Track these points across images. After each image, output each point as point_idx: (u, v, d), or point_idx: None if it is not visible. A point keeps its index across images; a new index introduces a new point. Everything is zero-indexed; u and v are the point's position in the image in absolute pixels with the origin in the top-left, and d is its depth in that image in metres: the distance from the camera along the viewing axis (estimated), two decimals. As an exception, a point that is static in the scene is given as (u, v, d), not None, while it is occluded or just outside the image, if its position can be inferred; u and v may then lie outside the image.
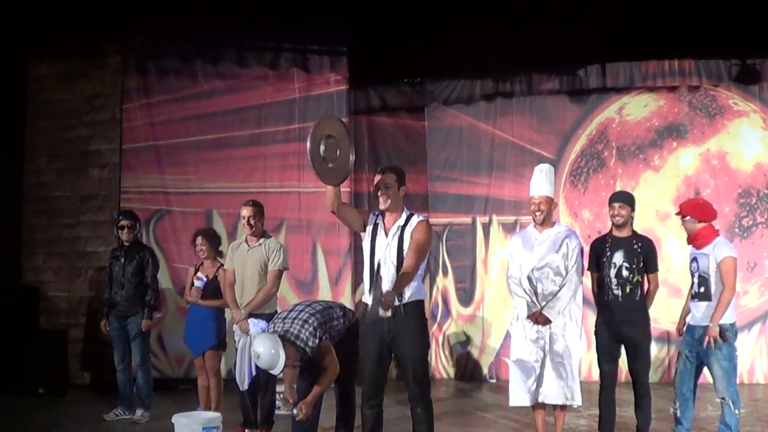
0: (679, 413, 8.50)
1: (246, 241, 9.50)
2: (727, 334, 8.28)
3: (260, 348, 7.47)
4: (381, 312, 6.99)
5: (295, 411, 7.74)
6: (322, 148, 7.05)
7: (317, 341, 7.62)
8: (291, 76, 13.73)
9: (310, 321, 7.70)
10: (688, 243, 8.63)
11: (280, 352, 7.45)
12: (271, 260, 9.39)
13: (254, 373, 8.86)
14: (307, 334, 7.61)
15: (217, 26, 13.60)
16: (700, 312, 8.39)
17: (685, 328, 8.61)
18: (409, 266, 7.23)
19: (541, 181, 8.70)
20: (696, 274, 8.48)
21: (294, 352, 7.62)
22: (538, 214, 8.63)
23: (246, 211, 9.39)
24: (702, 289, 8.41)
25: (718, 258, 8.32)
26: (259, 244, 9.39)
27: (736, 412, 8.35)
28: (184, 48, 13.68)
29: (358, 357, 7.64)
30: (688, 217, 8.51)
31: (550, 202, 8.68)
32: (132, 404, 10.85)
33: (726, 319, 8.31)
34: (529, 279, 8.54)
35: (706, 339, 8.21)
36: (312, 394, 7.72)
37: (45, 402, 11.96)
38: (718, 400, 8.40)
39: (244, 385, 9.03)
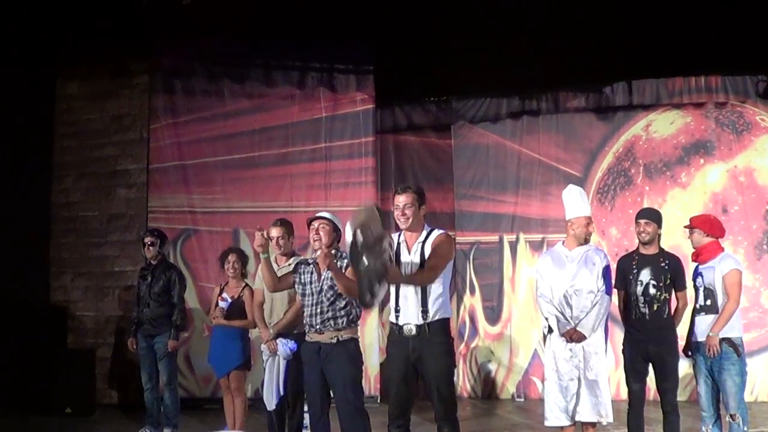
0: None
1: (276, 261, 9.44)
2: (739, 349, 8.35)
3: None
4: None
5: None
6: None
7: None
8: (317, 95, 13.78)
9: None
10: (693, 259, 8.69)
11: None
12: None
13: (282, 393, 8.86)
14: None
15: (244, 46, 13.67)
16: (706, 324, 8.41)
17: (693, 347, 8.61)
18: (429, 266, 7.16)
19: (584, 201, 8.69)
20: (701, 288, 8.52)
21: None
22: (588, 235, 8.63)
23: (275, 232, 9.30)
24: (708, 302, 8.45)
25: (724, 270, 8.39)
26: (289, 264, 9.31)
27: (745, 429, 8.38)
28: (211, 67, 13.75)
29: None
30: (697, 230, 8.57)
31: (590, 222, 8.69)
32: (159, 423, 10.85)
33: (736, 333, 8.40)
34: (564, 296, 8.50)
35: (708, 348, 8.28)
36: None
37: (72, 421, 11.99)
38: (728, 418, 8.39)
39: (272, 404, 9.02)
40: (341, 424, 7.74)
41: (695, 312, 8.58)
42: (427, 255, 7.21)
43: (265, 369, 9.22)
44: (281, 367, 8.97)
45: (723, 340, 8.30)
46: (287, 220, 9.58)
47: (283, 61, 13.80)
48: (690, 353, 8.70)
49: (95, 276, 13.88)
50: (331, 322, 7.72)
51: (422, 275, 7.16)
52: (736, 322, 8.46)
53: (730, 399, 8.32)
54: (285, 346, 8.85)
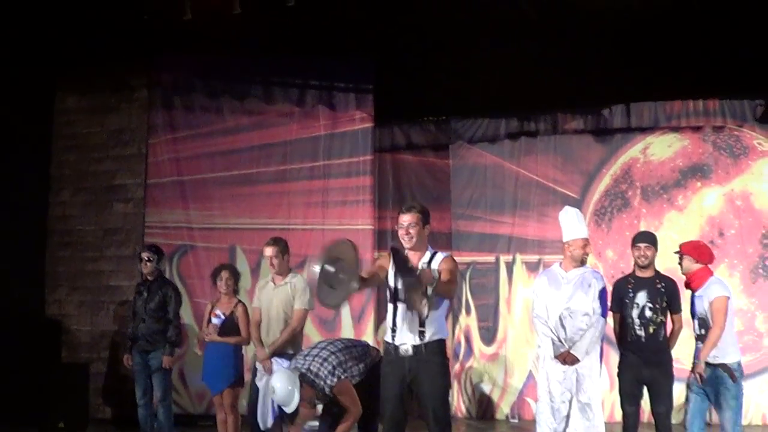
0: None
1: (272, 279, 9.44)
2: (735, 374, 8.40)
3: (277, 384, 7.47)
4: (417, 290, 6.86)
5: None
6: (330, 269, 6.75)
7: (335, 380, 7.60)
8: (316, 113, 13.78)
9: (330, 359, 7.70)
10: (686, 287, 8.74)
11: (295, 391, 7.45)
12: (297, 299, 9.26)
13: (277, 413, 8.84)
14: (326, 372, 7.61)
15: (244, 62, 13.67)
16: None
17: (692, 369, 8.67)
18: (447, 279, 7.16)
19: (581, 223, 8.74)
20: (696, 317, 8.60)
21: (311, 392, 7.61)
22: (585, 256, 8.67)
23: (268, 251, 9.30)
24: (703, 331, 8.52)
25: (711, 297, 8.47)
26: (285, 283, 9.28)
27: None
28: (210, 84, 13.75)
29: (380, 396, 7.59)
30: (687, 257, 8.63)
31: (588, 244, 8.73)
32: (153, 439, 10.87)
33: (733, 358, 8.46)
34: (559, 318, 8.53)
35: (695, 376, 8.41)
36: None
37: (66, 436, 11.99)
38: None
39: (266, 424, 9.00)
40: None
41: (695, 339, 8.64)
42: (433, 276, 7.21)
43: (258, 387, 9.21)
44: None
45: (718, 365, 8.33)
46: (281, 238, 9.57)
47: (282, 78, 13.79)
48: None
49: (91, 290, 13.85)
50: None
51: (449, 286, 7.18)
52: (731, 348, 8.51)
53: (726, 423, 8.38)
54: (281, 365, 8.85)
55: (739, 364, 8.49)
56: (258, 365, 9.29)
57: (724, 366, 8.37)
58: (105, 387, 13.47)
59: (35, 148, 13.97)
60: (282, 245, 9.37)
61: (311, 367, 7.66)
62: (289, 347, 9.17)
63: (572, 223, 8.74)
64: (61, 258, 14.08)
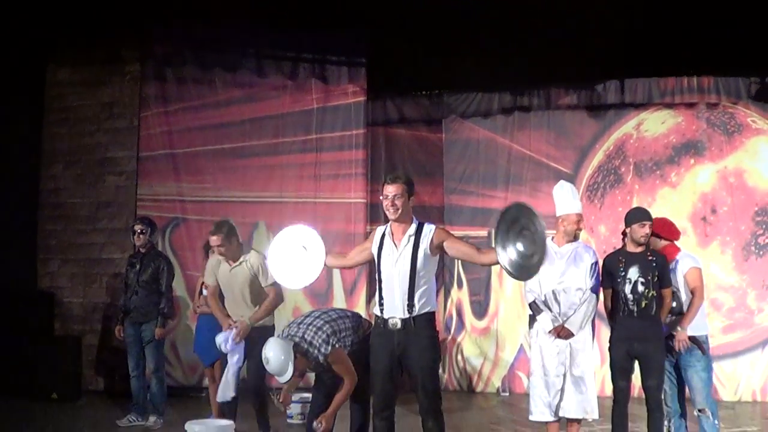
0: (673, 429, 8.71)
1: (226, 261, 9.26)
2: (704, 346, 8.56)
3: (270, 353, 7.46)
4: None
5: (315, 424, 7.75)
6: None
7: (330, 348, 7.61)
8: (309, 86, 13.75)
9: (324, 328, 7.70)
10: None
11: (290, 361, 7.45)
12: (262, 277, 9.05)
13: (239, 385, 8.89)
14: (320, 340, 7.61)
15: (236, 35, 13.61)
16: (671, 324, 8.59)
17: None
18: (456, 240, 7.39)
19: (575, 198, 8.78)
20: None
21: (304, 363, 7.62)
22: (578, 231, 8.71)
23: (214, 240, 9.09)
24: (674, 304, 8.59)
25: (684, 270, 8.64)
26: (241, 263, 9.13)
27: (716, 422, 8.61)
28: (203, 56, 13.68)
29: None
30: (654, 234, 8.68)
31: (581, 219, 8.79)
32: (145, 411, 10.89)
33: (700, 331, 8.62)
34: (553, 293, 8.56)
35: (677, 344, 8.47)
36: (332, 406, 7.74)
37: (58, 407, 11.98)
38: (696, 413, 8.58)
39: (226, 395, 8.98)
40: None
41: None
42: (420, 251, 7.21)
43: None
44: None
45: (689, 338, 8.43)
46: (225, 221, 9.35)
47: (275, 51, 13.75)
48: None
49: (83, 263, 13.84)
50: None
51: (477, 252, 7.28)
52: (701, 320, 8.70)
53: (697, 395, 8.56)
54: (225, 336, 8.87)
55: (707, 337, 8.68)
56: (218, 338, 9.12)
57: (693, 339, 8.49)
58: (97, 359, 13.49)
59: (27, 122, 13.93)
60: (226, 230, 9.13)
61: (305, 336, 7.66)
62: (265, 320, 9.12)
63: (566, 198, 8.77)
64: (53, 231, 14.06)
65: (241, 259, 9.06)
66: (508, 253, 6.74)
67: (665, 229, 8.85)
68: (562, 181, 9.16)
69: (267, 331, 8.81)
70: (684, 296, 8.59)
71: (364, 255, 7.61)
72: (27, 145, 13.94)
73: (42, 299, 13.74)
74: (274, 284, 8.87)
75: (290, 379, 7.63)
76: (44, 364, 12.45)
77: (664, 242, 8.78)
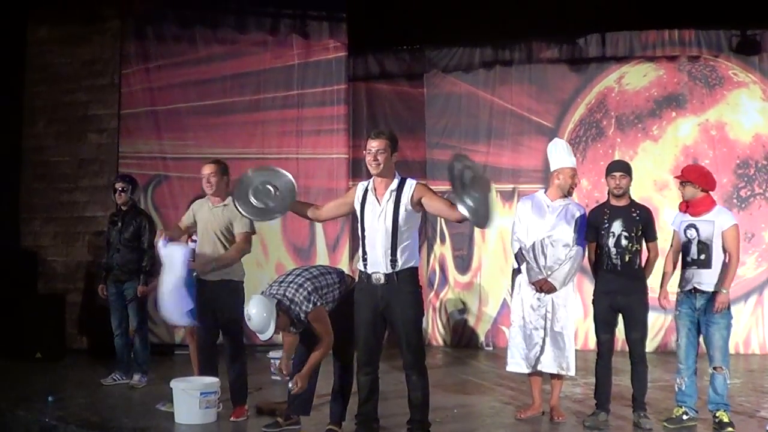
0: (684, 387, 8.53)
1: (210, 200, 9.19)
2: (729, 303, 8.40)
3: (252, 310, 7.44)
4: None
5: (290, 384, 7.76)
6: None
7: (311, 306, 7.60)
8: (290, 42, 13.71)
9: (306, 285, 7.69)
10: (683, 210, 8.61)
11: (271, 318, 7.44)
12: (237, 223, 8.85)
13: (192, 309, 8.62)
14: (301, 297, 7.60)
15: (217, -10, 13.58)
16: (701, 279, 8.42)
17: (677, 299, 8.64)
18: (437, 198, 7.35)
19: (570, 154, 8.80)
20: (694, 241, 8.47)
21: (286, 320, 7.61)
22: (572, 188, 8.73)
23: (207, 169, 8.96)
24: (702, 257, 8.43)
25: (724, 226, 8.40)
26: (224, 205, 9.01)
27: (728, 382, 8.45)
28: (183, 13, 13.64)
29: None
30: (690, 184, 8.49)
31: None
32: (129, 369, 10.87)
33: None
34: (541, 245, 8.57)
35: (717, 305, 8.28)
36: (307, 366, 7.73)
37: (42, 366, 11.97)
38: (711, 370, 8.45)
39: (183, 319, 8.85)
40: None
41: (686, 265, 8.56)
42: (402, 206, 7.22)
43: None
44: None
45: (715, 292, 8.34)
46: (222, 161, 9.32)
47: (255, 7, 13.71)
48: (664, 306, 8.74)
49: (65, 221, 13.81)
50: None
51: (450, 206, 7.21)
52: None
53: (717, 351, 8.37)
54: (164, 242, 8.76)
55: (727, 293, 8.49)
56: (159, 245, 8.90)
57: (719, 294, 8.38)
58: (81, 317, 13.49)
59: (8, 80, 13.83)
60: (222, 167, 9.08)
61: (287, 293, 7.64)
62: (234, 274, 8.99)
63: (561, 153, 8.78)
64: (35, 189, 14.02)
65: (225, 202, 8.98)
66: (467, 203, 6.77)
67: (701, 179, 8.53)
68: (556, 139, 9.21)
69: (235, 286, 8.77)
70: (716, 252, 8.38)
71: (342, 209, 7.67)
72: (8, 103, 13.86)
73: (25, 258, 13.71)
74: (246, 233, 8.83)
75: (271, 336, 7.62)
76: (28, 323, 12.43)
77: (702, 193, 8.49)
